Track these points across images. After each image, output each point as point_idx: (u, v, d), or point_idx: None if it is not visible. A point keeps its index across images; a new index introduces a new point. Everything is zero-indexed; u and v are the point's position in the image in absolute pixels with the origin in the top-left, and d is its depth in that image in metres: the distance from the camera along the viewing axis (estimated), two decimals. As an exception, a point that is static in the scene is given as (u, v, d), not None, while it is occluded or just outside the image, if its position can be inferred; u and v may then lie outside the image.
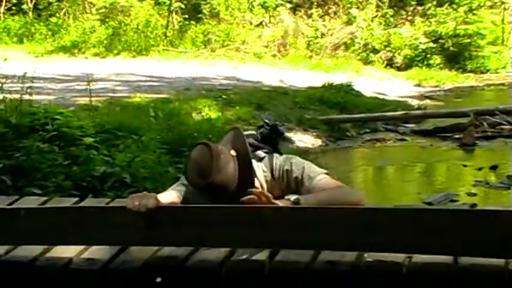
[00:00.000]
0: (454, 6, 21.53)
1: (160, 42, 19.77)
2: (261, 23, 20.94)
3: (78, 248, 2.73)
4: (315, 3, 21.83)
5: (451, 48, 20.94)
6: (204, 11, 21.01)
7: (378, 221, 2.46)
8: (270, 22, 21.10)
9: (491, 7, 22.12)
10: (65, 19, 21.64)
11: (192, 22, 20.62)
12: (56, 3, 22.04)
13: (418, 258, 2.47)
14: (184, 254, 2.64)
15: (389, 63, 20.44)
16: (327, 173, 2.88)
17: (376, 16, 21.25)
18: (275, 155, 2.97)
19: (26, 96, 6.62)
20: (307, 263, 2.52)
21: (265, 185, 2.89)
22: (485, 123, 10.93)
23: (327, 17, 21.54)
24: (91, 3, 21.52)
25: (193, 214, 2.61)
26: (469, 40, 21.03)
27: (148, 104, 9.93)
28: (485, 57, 21.05)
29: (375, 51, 20.65)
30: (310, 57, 20.14)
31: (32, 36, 20.65)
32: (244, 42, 19.81)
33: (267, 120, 3.14)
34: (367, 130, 11.87)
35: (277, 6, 21.14)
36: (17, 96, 6.53)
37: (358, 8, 21.28)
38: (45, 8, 22.05)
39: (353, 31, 20.82)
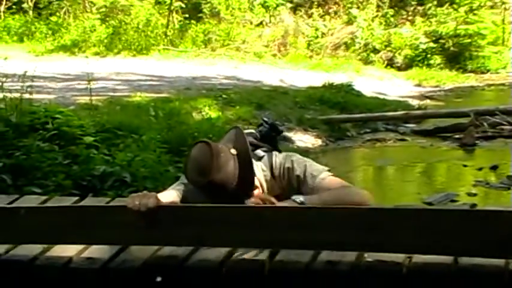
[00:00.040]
0: (455, 6, 21.53)
1: (161, 41, 19.77)
2: (261, 23, 20.94)
3: (78, 247, 2.73)
4: (316, 3, 21.83)
5: (452, 48, 20.95)
6: (204, 10, 21.01)
7: (378, 221, 2.46)
8: (270, 22, 21.10)
9: (491, 7, 22.13)
10: (65, 18, 21.64)
11: (192, 21, 20.62)
12: (57, 2, 22.05)
13: (418, 258, 2.47)
14: (185, 254, 2.64)
15: (390, 63, 20.44)
16: (328, 171, 2.88)
17: (377, 16, 21.26)
18: (274, 153, 2.97)
19: (26, 95, 6.61)
20: (307, 263, 2.52)
21: (264, 184, 2.89)
22: (485, 124, 10.93)
23: (327, 17, 21.54)
24: (91, 2, 21.52)
25: (193, 214, 2.61)
26: (469, 40, 21.04)
27: (148, 103, 9.93)
28: (486, 57, 21.06)
29: (375, 51, 20.65)
30: (311, 57, 20.15)
31: (32, 35, 20.65)
32: (244, 42, 19.81)
33: (266, 119, 3.14)
34: (368, 130, 11.87)
35: (277, 5, 21.14)
36: (17, 95, 6.53)
37: (358, 7, 21.28)
38: (46, 7, 22.05)
39: (353, 31, 20.83)
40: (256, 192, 2.84)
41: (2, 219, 2.75)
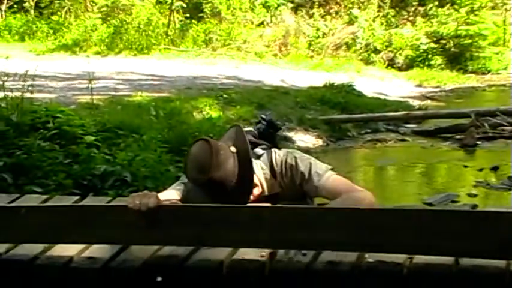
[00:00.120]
0: (456, 6, 21.53)
1: (162, 41, 19.78)
2: (262, 23, 20.94)
3: (78, 247, 2.73)
4: (317, 3, 21.83)
5: (453, 49, 20.95)
6: (205, 10, 21.01)
7: (379, 221, 2.46)
8: (271, 21, 21.10)
9: (492, 8, 22.13)
10: (66, 17, 21.66)
11: (193, 21, 20.63)
12: (58, 2, 22.07)
13: (419, 259, 2.47)
14: (185, 254, 2.64)
15: (391, 64, 20.45)
16: (331, 169, 2.87)
17: (378, 16, 21.25)
18: (274, 150, 2.96)
19: (27, 94, 6.62)
20: (307, 263, 2.52)
21: (264, 183, 2.89)
22: (486, 124, 10.92)
23: (328, 17, 21.53)
24: (93, 1, 21.54)
25: (194, 213, 2.61)
26: (470, 41, 21.04)
27: (149, 102, 9.93)
28: (487, 58, 21.06)
29: (376, 51, 20.65)
30: (312, 57, 20.15)
31: (33, 34, 20.67)
32: (245, 42, 19.81)
33: (263, 116, 3.14)
34: (368, 130, 11.87)
35: (278, 5, 21.14)
36: (18, 94, 6.53)
37: (359, 8, 21.28)
38: (47, 6, 22.09)
39: (354, 31, 20.82)
40: (256, 190, 2.85)
41: (3, 218, 2.75)
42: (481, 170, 8.73)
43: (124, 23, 20.09)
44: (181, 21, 20.97)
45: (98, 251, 2.70)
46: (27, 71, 6.96)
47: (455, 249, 2.41)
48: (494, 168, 8.71)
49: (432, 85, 18.36)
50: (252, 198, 2.84)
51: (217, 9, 20.75)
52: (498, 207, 5.39)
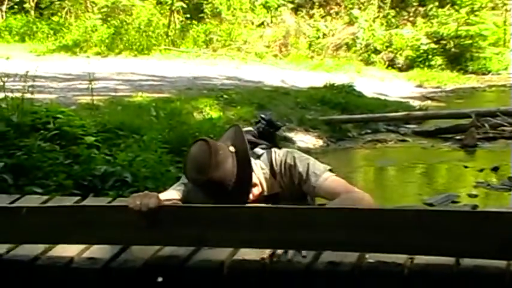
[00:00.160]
0: (456, 7, 21.54)
1: (162, 41, 19.79)
2: (262, 23, 20.95)
3: (79, 247, 2.73)
4: (317, 4, 21.84)
5: (453, 50, 20.96)
6: (205, 10, 21.03)
7: (379, 221, 2.46)
8: (271, 22, 21.11)
9: (493, 8, 22.14)
10: (66, 18, 21.68)
11: (193, 22, 20.64)
12: (58, 2, 22.10)
13: (420, 259, 2.46)
14: (186, 254, 2.63)
15: (391, 64, 20.46)
16: (330, 170, 2.87)
17: (378, 17, 21.27)
18: (274, 150, 2.97)
19: (28, 95, 6.62)
20: (308, 264, 2.52)
21: (264, 182, 2.89)
22: (486, 125, 10.93)
23: (328, 18, 21.55)
24: (93, 2, 21.54)
25: (194, 214, 2.61)
26: (470, 41, 21.05)
27: (149, 103, 9.93)
28: (487, 58, 21.08)
29: (377, 51, 20.66)
30: (312, 57, 20.16)
31: (33, 35, 20.68)
32: (245, 42, 19.82)
33: (262, 115, 3.14)
34: (369, 131, 11.88)
35: (279, 6, 21.15)
36: (18, 94, 6.53)
37: (359, 8, 21.29)
38: (47, 6, 22.11)
39: (355, 32, 20.84)
40: (255, 190, 2.85)
41: (4, 219, 2.75)
42: (481, 170, 8.73)
43: (124, 23, 20.10)
44: (181, 21, 20.99)
45: (99, 251, 2.70)
46: (27, 72, 6.96)
47: (456, 250, 2.41)
48: (495, 169, 8.71)
49: (432, 85, 18.37)
50: (252, 198, 2.84)
51: (218, 10, 20.77)
52: (498, 207, 5.38)
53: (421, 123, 12.38)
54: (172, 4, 20.60)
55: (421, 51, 20.73)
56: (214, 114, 10.05)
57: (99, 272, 2.61)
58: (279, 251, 2.54)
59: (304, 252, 2.54)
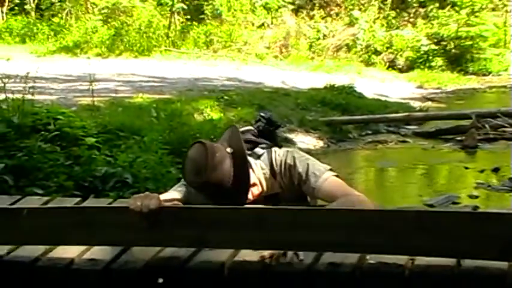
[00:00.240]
0: (456, 8, 21.54)
1: (162, 42, 19.80)
2: (263, 24, 20.96)
3: (80, 248, 2.73)
4: (317, 5, 21.85)
5: (453, 51, 20.97)
6: (206, 11, 21.04)
7: (380, 222, 2.46)
8: (272, 23, 21.12)
9: (493, 9, 22.15)
10: (67, 19, 21.69)
11: (194, 23, 20.65)
12: (59, 4, 22.11)
13: (421, 260, 2.46)
14: (186, 255, 2.63)
15: (391, 65, 20.46)
16: (331, 169, 2.87)
17: (378, 18, 21.27)
18: (274, 149, 2.96)
19: (29, 96, 6.62)
20: (309, 265, 2.52)
21: (264, 182, 2.89)
22: (487, 126, 10.93)
23: (329, 19, 21.55)
24: (93, 3, 21.56)
25: (195, 215, 2.61)
26: (471, 42, 21.05)
27: (150, 104, 9.94)
28: (487, 59, 21.07)
29: (377, 52, 20.66)
30: (312, 58, 20.16)
31: (34, 36, 20.70)
32: (246, 43, 19.83)
33: (262, 114, 3.14)
34: (369, 132, 11.88)
35: (279, 7, 21.16)
36: (19, 96, 6.53)
37: (360, 9, 21.30)
38: (48, 8, 22.12)
39: (355, 33, 20.84)
40: (255, 189, 2.85)
41: (4, 220, 2.75)
42: (482, 171, 8.73)
43: (125, 24, 20.11)
44: (182, 23, 21.00)
45: (99, 252, 2.70)
46: (28, 73, 6.96)
47: (457, 251, 2.41)
48: (495, 170, 8.71)
49: (433, 86, 18.37)
50: (252, 198, 2.84)
51: (218, 11, 20.78)
52: (499, 208, 5.38)
53: (421, 124, 12.38)
54: (172, 5, 20.61)
55: (422, 52, 20.74)
56: (215, 115, 10.05)
57: (99, 273, 2.61)
58: (277, 252, 2.54)
59: (301, 256, 2.54)
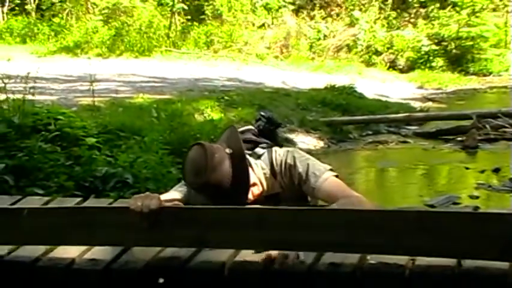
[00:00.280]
0: (457, 8, 21.54)
1: (163, 43, 19.80)
2: (263, 25, 20.96)
3: (80, 249, 2.73)
4: (318, 5, 21.85)
5: (454, 51, 20.96)
6: (206, 12, 21.04)
7: (380, 223, 2.46)
8: (272, 23, 21.12)
9: (494, 10, 22.14)
10: (67, 19, 21.70)
11: (194, 23, 20.66)
12: (59, 4, 22.11)
13: (422, 260, 2.46)
14: (187, 255, 2.64)
15: (392, 65, 20.46)
16: (331, 169, 2.87)
17: (379, 18, 21.27)
18: (274, 149, 2.96)
19: (29, 96, 6.62)
20: (309, 265, 2.52)
21: (264, 182, 2.89)
22: (487, 126, 10.92)
23: (329, 19, 21.56)
24: (94, 3, 21.57)
25: (195, 215, 2.61)
26: (471, 43, 21.05)
27: (150, 104, 9.94)
28: (488, 59, 21.07)
29: (378, 53, 20.66)
30: (313, 58, 20.17)
31: (34, 37, 20.71)
32: (246, 44, 19.83)
33: (262, 113, 3.14)
34: (370, 132, 11.88)
35: (279, 7, 21.16)
36: (19, 96, 6.53)
37: (360, 10, 21.30)
38: (48, 8, 22.13)
39: (355, 33, 20.84)
40: (255, 189, 2.85)
41: (5, 220, 2.75)
42: (482, 171, 8.72)
43: (125, 25, 20.12)
44: (182, 23, 21.00)
45: (100, 252, 2.70)
46: (28, 73, 6.96)
47: (457, 251, 2.41)
48: (496, 170, 8.70)
49: (433, 87, 18.36)
50: (252, 198, 2.84)
51: (219, 11, 20.78)
52: (500, 209, 5.39)
53: (422, 125, 12.38)
54: (173, 5, 20.62)
55: (422, 52, 20.73)
56: (215, 115, 10.05)
57: (100, 274, 2.61)
58: (282, 255, 2.53)
59: (302, 257, 2.54)
